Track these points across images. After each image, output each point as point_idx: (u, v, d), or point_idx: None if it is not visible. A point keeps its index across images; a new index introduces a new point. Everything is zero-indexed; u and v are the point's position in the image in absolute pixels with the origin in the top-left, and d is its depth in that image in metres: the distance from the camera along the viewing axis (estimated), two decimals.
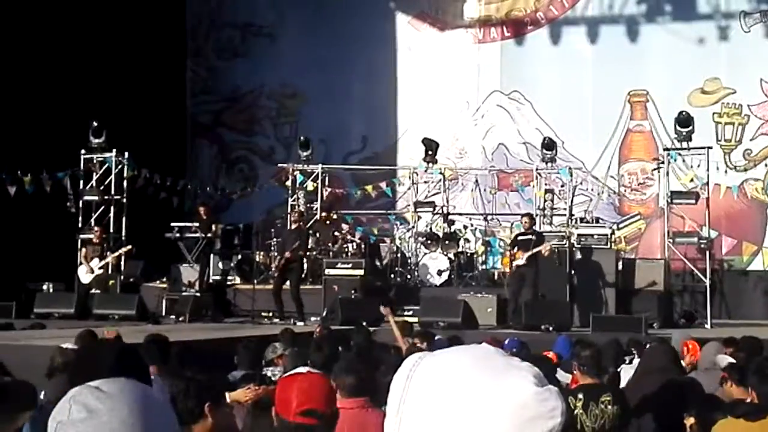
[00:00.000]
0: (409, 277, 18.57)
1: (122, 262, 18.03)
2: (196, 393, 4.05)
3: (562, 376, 7.87)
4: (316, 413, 3.62)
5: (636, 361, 8.86)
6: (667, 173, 17.62)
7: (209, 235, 17.46)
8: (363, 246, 18.23)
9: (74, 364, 3.61)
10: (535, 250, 15.64)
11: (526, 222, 16.32)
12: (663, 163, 17.67)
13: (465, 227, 19.83)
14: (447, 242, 18.60)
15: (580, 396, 6.07)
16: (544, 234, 16.58)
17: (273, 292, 16.28)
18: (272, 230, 19.39)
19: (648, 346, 8.91)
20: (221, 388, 4.16)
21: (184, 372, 6.55)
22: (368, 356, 8.25)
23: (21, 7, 18.43)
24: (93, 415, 1.72)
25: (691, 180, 17.71)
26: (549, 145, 18.79)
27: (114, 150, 18.42)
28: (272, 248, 18.87)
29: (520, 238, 16.16)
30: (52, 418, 1.75)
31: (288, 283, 16.17)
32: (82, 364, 3.38)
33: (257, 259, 18.80)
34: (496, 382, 1.61)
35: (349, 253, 17.94)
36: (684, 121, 17.24)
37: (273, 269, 16.89)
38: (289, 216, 18.71)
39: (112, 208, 18.52)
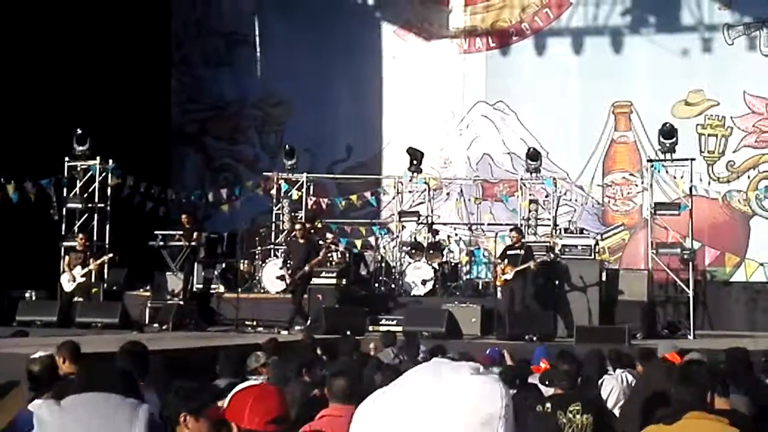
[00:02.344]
0: (393, 286, 18.55)
1: (105, 270, 17.94)
2: (176, 402, 4.01)
3: (545, 390, 7.86)
4: (285, 420, 3.60)
5: (618, 371, 8.89)
6: (651, 185, 17.71)
7: (192, 243, 17.43)
8: (347, 255, 18.22)
9: (78, 382, 3.69)
10: (522, 267, 15.70)
11: (514, 236, 16.36)
12: (644, 176, 17.74)
13: (449, 237, 19.87)
14: (431, 252, 18.61)
15: (548, 405, 6.11)
16: (532, 246, 16.60)
17: (296, 307, 16.31)
18: (256, 239, 19.35)
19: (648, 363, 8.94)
20: (206, 398, 4.12)
21: (167, 381, 6.51)
22: (356, 365, 8.23)
23: (5, 15, 18.35)
24: (42, 426, 1.90)
25: (682, 190, 17.75)
26: (533, 155, 18.85)
27: (98, 158, 18.38)
28: (256, 257, 18.84)
29: (509, 252, 16.18)
30: None
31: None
32: (83, 383, 3.43)
33: (241, 268, 18.75)
34: (437, 384, 1.64)
35: (334, 262, 17.92)
36: (667, 132, 17.33)
37: (288, 284, 16.76)
38: (293, 227, 18.35)
39: (95, 215, 18.47)
